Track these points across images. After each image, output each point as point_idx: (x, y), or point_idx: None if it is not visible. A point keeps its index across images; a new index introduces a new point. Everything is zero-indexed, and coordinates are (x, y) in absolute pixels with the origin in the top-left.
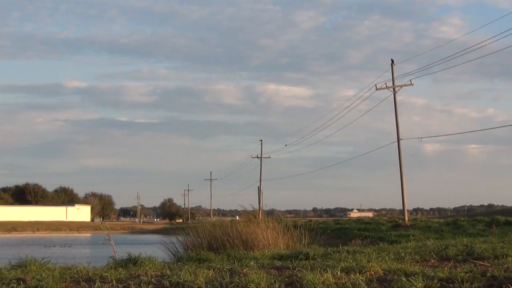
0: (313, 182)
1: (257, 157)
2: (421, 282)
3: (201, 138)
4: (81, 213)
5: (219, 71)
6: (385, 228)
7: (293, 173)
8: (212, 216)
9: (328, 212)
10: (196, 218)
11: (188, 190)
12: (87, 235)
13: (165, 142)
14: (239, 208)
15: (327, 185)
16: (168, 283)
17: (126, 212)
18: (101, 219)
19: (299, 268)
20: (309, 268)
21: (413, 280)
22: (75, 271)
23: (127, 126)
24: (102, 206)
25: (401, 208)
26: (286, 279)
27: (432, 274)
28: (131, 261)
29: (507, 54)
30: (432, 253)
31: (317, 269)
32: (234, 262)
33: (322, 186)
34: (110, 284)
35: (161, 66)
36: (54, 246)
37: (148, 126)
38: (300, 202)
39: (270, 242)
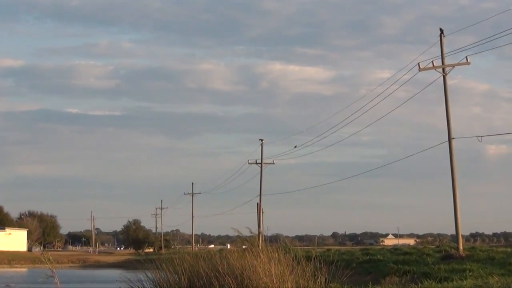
0: (332, 197)
1: (256, 163)
2: None
3: (179, 137)
4: (15, 239)
5: (205, 45)
6: (432, 261)
7: (306, 185)
8: (194, 244)
9: (353, 238)
10: (172, 246)
11: (161, 209)
12: (22, 269)
13: (131, 142)
14: (231, 233)
15: (352, 201)
16: None
17: (76, 239)
18: (41, 248)
19: None
20: None
21: None
22: None
23: (79, 121)
24: (44, 230)
25: (454, 233)
26: None
27: None
28: None
29: None
30: None
31: None
32: None
33: (345, 203)
34: None
35: (125, 38)
36: None
37: (108, 121)
38: (315, 225)
39: (274, 280)
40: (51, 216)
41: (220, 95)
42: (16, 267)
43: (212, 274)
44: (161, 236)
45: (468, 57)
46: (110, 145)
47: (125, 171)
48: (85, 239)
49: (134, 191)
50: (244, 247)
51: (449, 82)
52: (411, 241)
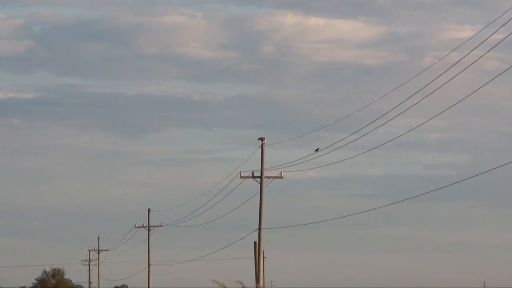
0: (378, 232)
1: (253, 177)
2: None
3: (130, 134)
4: None
5: None
6: None
7: (334, 213)
8: None
9: None
10: None
11: (99, 252)
12: None
13: (49, 143)
14: None
15: (411, 239)
16: None
17: None
18: None
19: None
20: None
21: None
22: None
23: None
24: None
25: None
26: None
27: None
28: None
29: None
30: None
31: None
32: None
33: (399, 241)
34: None
35: None
36: None
37: (12, 108)
38: (349, 276)
39: None
40: None
41: (196, 67)
42: None
43: None
44: None
45: None
46: (15, 146)
47: (39, 190)
48: None
49: (53, 222)
50: None
51: None
52: None
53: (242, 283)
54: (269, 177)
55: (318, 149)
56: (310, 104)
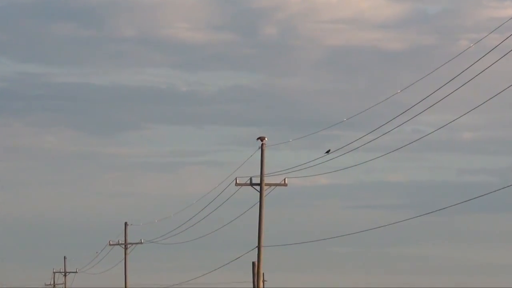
0: (404, 251)
1: (251, 185)
2: None
3: (104, 132)
4: None
5: None
6: None
7: (350, 227)
8: None
9: None
10: None
11: (65, 274)
12: None
13: (8, 143)
14: None
15: (444, 259)
16: None
17: None
18: None
19: None
20: None
21: None
22: None
23: None
24: None
25: None
26: None
27: None
28: None
29: None
30: None
31: None
32: None
33: (431, 262)
34: None
35: None
36: None
37: None
38: None
39: None
40: None
41: (183, 52)
42: None
43: None
44: None
45: None
46: None
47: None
48: None
49: (10, 239)
50: None
51: None
52: None
53: None
54: (270, 185)
55: (329, 150)
56: (320, 97)
